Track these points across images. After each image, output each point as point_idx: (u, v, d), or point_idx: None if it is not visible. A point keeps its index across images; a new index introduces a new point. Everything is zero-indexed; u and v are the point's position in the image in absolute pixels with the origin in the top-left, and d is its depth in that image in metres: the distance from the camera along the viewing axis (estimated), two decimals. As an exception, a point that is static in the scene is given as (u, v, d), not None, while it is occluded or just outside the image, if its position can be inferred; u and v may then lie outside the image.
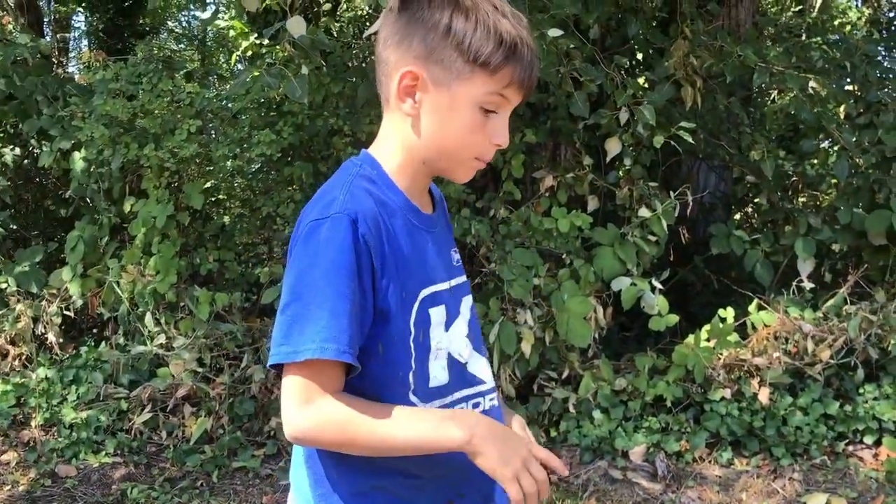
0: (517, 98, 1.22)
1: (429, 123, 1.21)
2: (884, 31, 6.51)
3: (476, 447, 1.13)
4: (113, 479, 3.50)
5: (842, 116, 4.89)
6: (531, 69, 1.20)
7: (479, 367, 1.34)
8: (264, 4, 3.90)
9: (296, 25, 2.82)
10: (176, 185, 4.11)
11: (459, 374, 1.29)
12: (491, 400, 1.34)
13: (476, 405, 1.30)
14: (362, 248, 1.15)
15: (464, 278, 1.36)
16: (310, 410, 1.13)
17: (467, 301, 1.34)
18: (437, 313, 1.25)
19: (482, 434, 1.14)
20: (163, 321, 3.93)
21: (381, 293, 1.18)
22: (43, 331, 4.21)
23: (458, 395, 1.29)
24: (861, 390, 3.73)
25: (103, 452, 3.68)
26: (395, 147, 1.26)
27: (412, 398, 1.22)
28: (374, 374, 1.18)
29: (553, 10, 3.74)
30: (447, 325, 1.27)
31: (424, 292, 1.24)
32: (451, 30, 1.17)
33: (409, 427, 1.15)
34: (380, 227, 1.18)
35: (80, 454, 3.66)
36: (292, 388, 1.14)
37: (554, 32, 3.51)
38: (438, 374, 1.26)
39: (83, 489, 3.43)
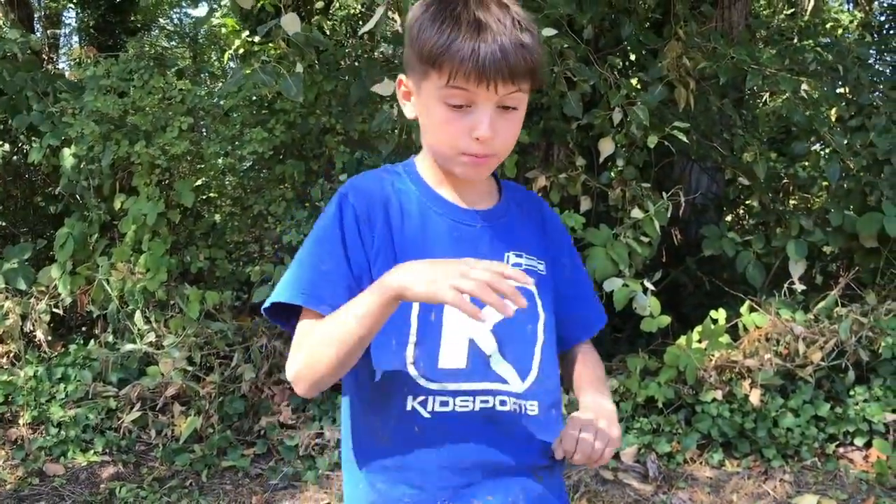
0: (478, 87, 1.19)
1: (422, 124, 1.30)
2: (875, 35, 6.54)
3: (403, 283, 1.12)
4: (101, 478, 3.48)
5: (833, 119, 4.91)
6: (483, 55, 1.17)
7: (503, 368, 1.32)
8: (260, 3, 3.88)
9: (290, 23, 2.81)
10: (167, 182, 4.09)
11: (483, 364, 1.28)
12: (515, 402, 1.30)
13: (503, 402, 1.29)
14: (349, 219, 1.27)
15: (514, 282, 1.29)
16: (296, 353, 1.24)
17: (508, 304, 1.29)
18: None
19: (405, 269, 1.15)
20: (152, 319, 3.90)
21: (372, 262, 1.27)
22: (31, 328, 4.17)
23: (480, 385, 1.29)
24: (852, 392, 3.73)
25: (92, 451, 3.65)
26: (425, 147, 1.35)
27: (412, 370, 1.26)
28: (376, 340, 1.24)
29: (547, 9, 3.73)
30: None
31: None
32: (411, 33, 1.25)
33: (352, 309, 1.18)
34: (374, 205, 1.28)
35: (69, 453, 3.64)
36: (296, 337, 1.26)
37: (548, 32, 3.50)
38: (454, 357, 1.28)
39: (71, 488, 3.40)
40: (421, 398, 1.26)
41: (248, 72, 3.22)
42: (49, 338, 4.22)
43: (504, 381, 1.30)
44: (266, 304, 1.28)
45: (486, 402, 1.28)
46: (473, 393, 1.28)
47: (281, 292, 1.25)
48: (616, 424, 1.30)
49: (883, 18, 7.16)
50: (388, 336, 1.26)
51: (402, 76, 1.32)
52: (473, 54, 1.17)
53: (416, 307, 1.27)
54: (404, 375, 1.26)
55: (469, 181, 1.34)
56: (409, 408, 1.27)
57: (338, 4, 7.16)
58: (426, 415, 1.26)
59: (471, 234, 1.32)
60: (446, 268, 1.11)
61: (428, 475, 1.27)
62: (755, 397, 3.63)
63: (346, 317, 1.18)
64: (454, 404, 1.27)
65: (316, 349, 1.21)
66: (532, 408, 1.33)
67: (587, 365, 1.47)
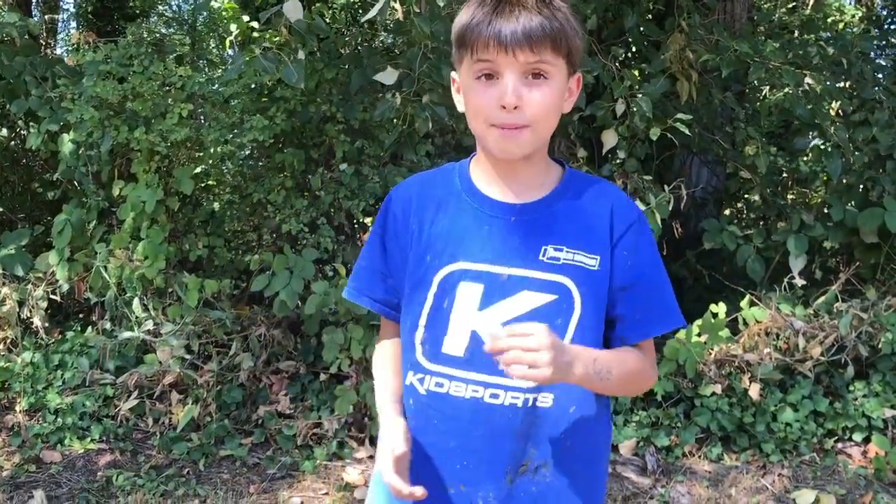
0: (498, 56, 1.27)
1: (466, 111, 1.38)
2: (877, 30, 6.51)
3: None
4: (98, 465, 3.47)
5: (833, 113, 4.89)
6: (502, 27, 1.26)
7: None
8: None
9: (292, 9, 2.79)
10: (166, 169, 4.06)
11: (484, 355, 1.27)
12: (514, 398, 1.33)
13: (494, 396, 1.34)
14: (390, 220, 1.45)
15: (547, 275, 1.33)
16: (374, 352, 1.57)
17: (535, 297, 1.33)
18: (469, 289, 1.35)
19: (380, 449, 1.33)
20: (150, 307, 3.88)
21: (407, 260, 1.41)
22: (28, 315, 4.15)
23: (478, 376, 1.34)
24: (851, 388, 3.73)
25: (88, 438, 3.64)
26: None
27: (419, 350, 1.40)
28: (401, 317, 1.45)
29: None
30: (482, 306, 1.34)
31: (455, 266, 1.36)
32: (453, 30, 1.36)
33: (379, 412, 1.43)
34: (411, 206, 1.42)
35: (66, 440, 3.63)
36: None
37: None
38: (454, 345, 1.37)
39: (68, 475, 3.39)
40: (420, 376, 1.39)
41: (249, 58, 3.18)
42: (46, 324, 4.19)
43: (509, 376, 1.28)
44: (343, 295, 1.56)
45: (477, 391, 1.33)
46: (468, 381, 1.34)
47: (346, 289, 1.54)
48: (562, 372, 1.21)
49: (885, 13, 7.11)
50: (407, 316, 1.42)
51: (454, 75, 1.41)
52: (492, 24, 1.26)
53: (432, 291, 1.37)
54: (413, 352, 1.40)
55: (513, 172, 1.38)
56: (408, 382, 1.42)
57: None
58: (422, 392, 1.39)
59: (503, 227, 1.36)
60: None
61: (416, 449, 1.35)
62: (754, 392, 3.63)
63: (377, 399, 1.48)
64: (449, 387, 1.36)
65: (375, 377, 1.54)
66: (545, 400, 1.34)
67: (629, 351, 1.40)
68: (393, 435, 1.31)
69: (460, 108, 1.40)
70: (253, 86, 4.09)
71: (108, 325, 4.03)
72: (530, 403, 1.33)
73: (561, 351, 1.21)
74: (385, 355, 1.52)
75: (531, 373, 1.17)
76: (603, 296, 1.37)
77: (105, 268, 3.96)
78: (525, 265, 1.34)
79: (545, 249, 1.34)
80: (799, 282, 4.08)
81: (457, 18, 1.34)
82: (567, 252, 1.35)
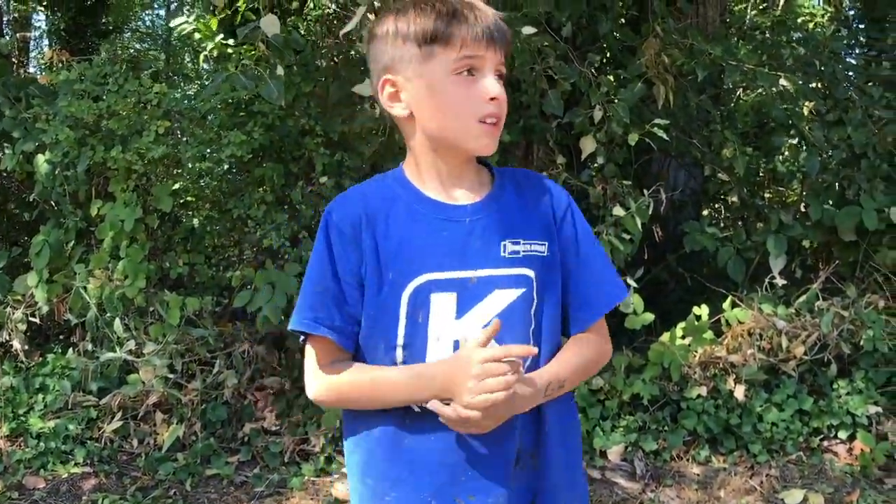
0: (486, 51, 1.31)
1: (421, 113, 1.35)
2: (845, 29, 6.58)
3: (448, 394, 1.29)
4: (83, 489, 3.42)
5: (805, 113, 4.93)
6: (483, 23, 1.30)
7: None
8: (234, 8, 3.83)
9: (270, 24, 2.77)
10: (144, 187, 4.03)
11: None
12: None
13: None
14: (335, 239, 1.35)
15: (512, 270, 1.35)
16: (315, 379, 1.38)
17: (506, 294, 1.34)
18: (442, 300, 1.33)
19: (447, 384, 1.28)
20: (132, 326, 3.85)
21: (363, 275, 1.34)
22: (7, 338, 4.10)
23: None
24: (834, 385, 3.76)
25: (72, 462, 3.59)
26: (409, 151, 1.42)
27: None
28: (362, 343, 1.37)
29: (526, 7, 3.72)
30: (459, 314, 1.33)
31: (422, 278, 1.33)
32: (396, 32, 1.33)
33: (399, 393, 1.33)
34: (358, 220, 1.34)
35: (49, 464, 3.57)
36: (307, 358, 1.40)
37: (527, 30, 3.49)
38: (437, 359, 1.33)
39: (52, 501, 3.34)
40: None
41: (227, 76, 3.17)
42: (26, 347, 4.14)
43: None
44: (290, 328, 1.39)
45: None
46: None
47: (292, 320, 1.38)
48: (522, 403, 1.31)
49: (853, 13, 7.20)
50: (377, 340, 1.35)
51: (386, 77, 1.36)
52: (479, 21, 1.30)
53: (403, 309, 1.33)
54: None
55: (464, 173, 1.39)
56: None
57: (312, 4, 7.10)
58: (416, 409, 1.34)
59: (460, 229, 1.36)
60: (463, 377, 1.26)
61: (415, 468, 1.34)
62: (740, 393, 3.64)
63: (394, 394, 1.33)
64: (441, 400, 1.31)
65: (353, 396, 1.37)
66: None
67: (569, 348, 1.44)
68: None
69: (401, 113, 1.37)
70: (230, 101, 4.07)
71: (89, 347, 3.98)
72: None
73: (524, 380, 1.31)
74: (354, 368, 1.36)
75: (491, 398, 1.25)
76: (555, 281, 1.41)
77: (85, 288, 3.92)
78: (490, 264, 1.35)
79: (504, 245, 1.36)
80: (780, 281, 4.11)
81: (403, 22, 1.33)
82: (524, 244, 1.37)
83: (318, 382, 1.37)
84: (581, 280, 1.43)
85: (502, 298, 1.34)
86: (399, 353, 1.34)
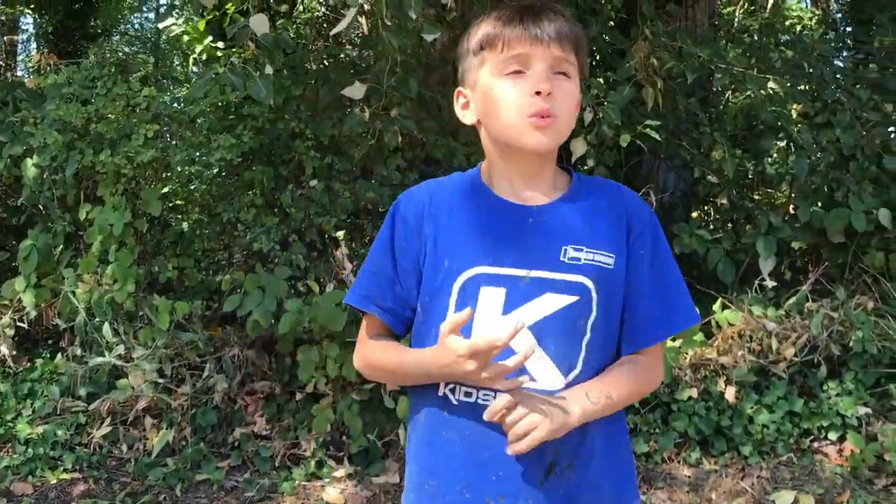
0: (531, 48, 1.32)
1: (484, 119, 1.40)
2: (832, 32, 6.61)
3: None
4: (72, 495, 3.40)
5: (794, 115, 4.96)
6: (534, 23, 1.33)
7: (539, 364, 1.33)
8: (224, 10, 3.81)
9: (259, 23, 2.76)
10: (133, 191, 4.01)
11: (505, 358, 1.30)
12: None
13: None
14: (399, 224, 1.42)
15: (568, 276, 1.34)
16: (358, 350, 1.50)
17: (558, 299, 1.33)
18: (491, 294, 1.34)
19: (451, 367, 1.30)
20: (121, 331, 3.82)
21: (420, 263, 1.40)
22: (-5, 343, 4.07)
23: (502, 383, 1.32)
24: (824, 387, 3.77)
25: (61, 468, 3.57)
26: (486, 155, 1.45)
27: None
28: (416, 330, 1.43)
29: (516, 11, 3.72)
30: (506, 310, 1.33)
31: (474, 270, 1.35)
32: (464, 45, 1.43)
33: (418, 369, 1.37)
34: (423, 210, 1.41)
35: (37, 471, 3.54)
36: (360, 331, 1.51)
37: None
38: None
39: (41, 507, 3.32)
40: (451, 385, 1.36)
41: (216, 74, 3.15)
42: (14, 352, 4.12)
43: (532, 379, 1.32)
44: (344, 301, 1.55)
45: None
46: (495, 388, 1.31)
47: (347, 294, 1.49)
48: (559, 421, 1.28)
49: (840, 16, 7.24)
50: (430, 327, 1.38)
51: (458, 88, 1.45)
52: (523, 20, 1.33)
53: (453, 298, 1.36)
54: None
55: (533, 173, 1.39)
56: (440, 393, 1.38)
57: (301, 7, 7.09)
58: (454, 402, 1.36)
59: (521, 229, 1.37)
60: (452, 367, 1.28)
61: (449, 460, 1.36)
62: (730, 394, 3.65)
63: (411, 368, 1.39)
64: (477, 396, 1.34)
65: (380, 370, 1.48)
66: None
67: (620, 367, 1.40)
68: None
69: (468, 120, 1.43)
70: (219, 104, 4.05)
71: (78, 352, 3.96)
72: None
73: (537, 406, 1.28)
74: (387, 346, 1.45)
75: (532, 439, 1.26)
76: (618, 295, 1.37)
77: (73, 293, 3.90)
78: (546, 267, 1.34)
79: (565, 250, 1.35)
80: (769, 283, 4.12)
81: (474, 30, 1.40)
82: (587, 252, 1.35)
83: (358, 353, 1.49)
84: (645, 300, 1.39)
85: (553, 302, 1.33)
86: None
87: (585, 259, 1.35)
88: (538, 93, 1.30)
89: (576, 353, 1.35)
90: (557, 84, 1.32)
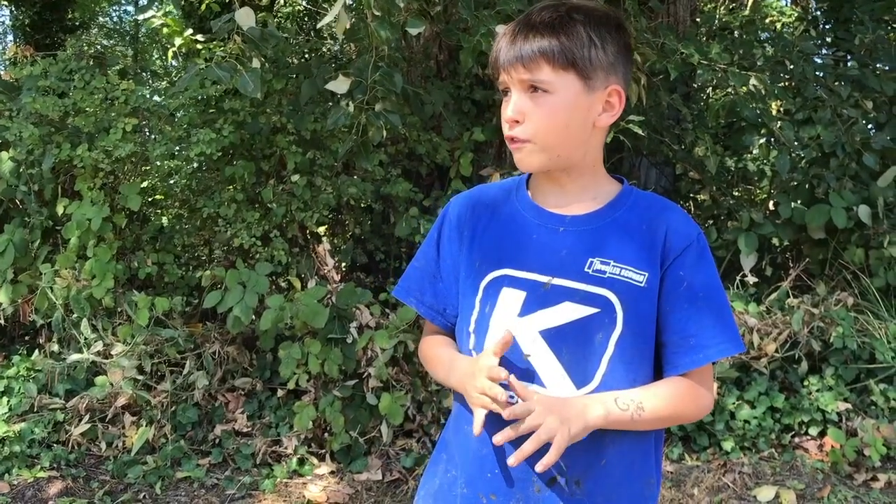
0: (504, 74, 1.36)
1: None
2: (812, 30, 6.65)
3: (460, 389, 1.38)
4: (49, 494, 3.35)
5: (774, 112, 4.98)
6: (516, 44, 1.33)
7: (550, 372, 1.32)
8: (205, 3, 3.77)
9: (245, 16, 2.72)
10: (111, 185, 3.96)
11: (520, 363, 1.34)
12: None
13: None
14: (445, 225, 1.50)
15: (591, 288, 1.32)
16: (420, 347, 1.58)
17: (576, 309, 1.32)
18: (511, 295, 1.37)
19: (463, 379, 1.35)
20: (100, 328, 3.78)
21: (460, 262, 1.46)
22: (-30, 340, 4.01)
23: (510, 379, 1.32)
24: (805, 383, 3.79)
25: (38, 467, 3.51)
26: None
27: (473, 354, 1.41)
28: (456, 326, 1.48)
29: (500, 5, 3.70)
30: (522, 313, 1.35)
31: (500, 271, 1.38)
32: None
33: (448, 374, 1.44)
34: (468, 212, 1.47)
35: (13, 469, 3.49)
36: None
37: (501, 29, 3.46)
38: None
39: (17, 506, 3.27)
40: None
41: (202, 68, 3.11)
42: (-10, 349, 4.06)
43: (542, 386, 1.32)
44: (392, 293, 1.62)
45: (512, 397, 1.28)
46: (503, 386, 1.30)
47: (395, 288, 1.56)
48: (580, 421, 1.25)
49: (820, 13, 7.28)
50: (462, 324, 1.45)
51: None
52: (512, 39, 1.34)
53: (479, 296, 1.40)
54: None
55: (558, 185, 1.41)
56: None
57: (282, 1, 7.04)
58: None
59: (551, 236, 1.38)
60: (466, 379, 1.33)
61: (463, 452, 1.41)
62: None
63: (438, 372, 1.49)
64: None
65: (429, 364, 1.54)
66: None
67: (664, 383, 1.36)
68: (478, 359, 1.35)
69: None
70: (199, 98, 4.01)
71: (55, 348, 3.91)
72: None
73: (562, 406, 1.25)
74: (435, 340, 1.53)
75: (555, 445, 1.22)
76: (648, 314, 1.33)
77: (51, 289, 3.85)
78: (569, 276, 1.34)
79: (591, 262, 1.34)
80: (751, 279, 4.14)
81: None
82: (614, 266, 1.33)
83: (421, 347, 1.57)
84: (684, 322, 1.33)
85: (570, 312, 1.32)
86: (471, 339, 1.42)
87: (611, 273, 1.33)
88: (506, 120, 1.36)
89: (592, 366, 1.32)
90: (532, 102, 1.33)
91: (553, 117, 1.32)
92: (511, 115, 1.34)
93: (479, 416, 1.28)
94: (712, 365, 1.40)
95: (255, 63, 3.04)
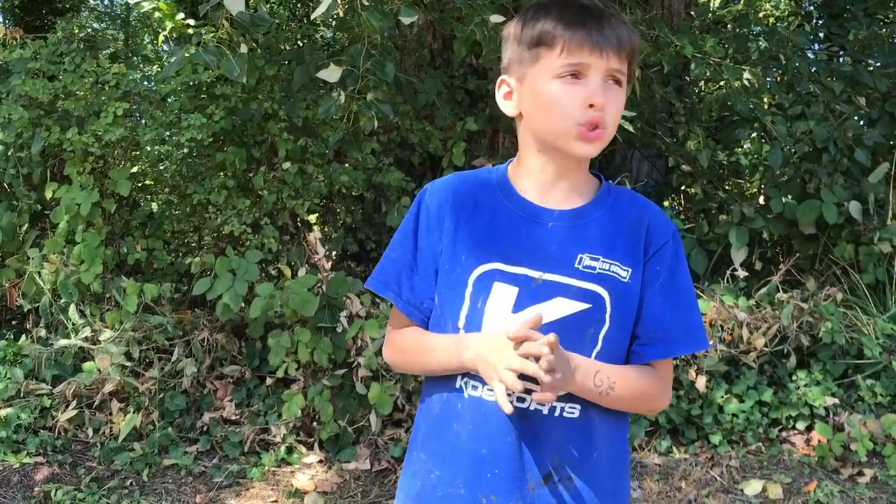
0: (591, 57, 1.29)
1: (528, 113, 1.38)
2: (806, 25, 6.66)
3: (475, 366, 1.32)
4: (35, 480, 3.33)
5: (766, 107, 4.98)
6: (595, 29, 1.29)
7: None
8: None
9: (234, 1, 2.69)
10: (101, 170, 3.93)
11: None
12: (539, 405, 1.33)
13: (521, 400, 1.33)
14: (423, 214, 1.43)
15: (582, 283, 1.32)
16: (386, 341, 1.53)
17: (568, 304, 1.32)
18: (503, 290, 1.34)
19: (478, 352, 1.30)
20: (88, 313, 3.75)
21: (439, 253, 1.40)
22: (-43, 324, 3.98)
23: None
24: (793, 377, 3.80)
25: (24, 452, 3.50)
26: (519, 149, 1.44)
27: None
28: (434, 321, 1.43)
29: (494, -5, 3.68)
30: (516, 308, 1.33)
31: (490, 265, 1.35)
32: (514, 34, 1.39)
33: (438, 354, 1.39)
34: (447, 202, 1.41)
35: None
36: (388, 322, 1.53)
37: (495, 19, 3.45)
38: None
39: (2, 492, 3.25)
40: (466, 378, 1.38)
41: (189, 53, 3.08)
42: (-24, 334, 4.03)
43: (532, 381, 1.29)
44: (365, 286, 1.52)
45: (508, 394, 1.27)
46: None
47: (368, 280, 1.49)
48: (574, 374, 1.28)
49: (813, 8, 7.29)
50: (446, 319, 1.40)
51: (502, 77, 1.43)
52: (587, 25, 1.30)
53: (468, 291, 1.36)
54: None
55: (564, 177, 1.38)
56: (457, 385, 1.39)
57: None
58: (466, 395, 1.38)
59: (540, 231, 1.36)
60: (495, 360, 1.26)
61: (455, 452, 1.37)
62: (701, 384, 3.67)
63: (433, 356, 1.40)
64: (482, 391, 1.35)
65: (406, 360, 1.49)
66: (572, 411, 1.34)
67: (636, 368, 1.38)
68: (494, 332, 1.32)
69: (509, 111, 1.41)
70: (191, 83, 3.98)
71: (43, 333, 3.88)
72: (556, 413, 1.33)
73: (563, 358, 1.25)
74: (415, 330, 1.46)
75: (544, 378, 1.21)
76: (632, 309, 1.36)
77: (39, 273, 3.82)
78: (561, 271, 1.33)
79: (581, 257, 1.34)
80: (741, 273, 4.15)
81: (530, 21, 1.35)
82: (603, 262, 1.34)
83: (386, 342, 1.53)
84: (654, 317, 1.37)
85: (562, 307, 1.33)
86: (462, 334, 1.38)
87: (601, 269, 1.34)
88: (592, 105, 1.29)
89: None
90: (610, 93, 1.31)
91: (620, 108, 1.34)
92: (602, 101, 1.29)
93: (503, 393, 1.24)
94: (673, 364, 1.43)
95: (244, 48, 3.01)
